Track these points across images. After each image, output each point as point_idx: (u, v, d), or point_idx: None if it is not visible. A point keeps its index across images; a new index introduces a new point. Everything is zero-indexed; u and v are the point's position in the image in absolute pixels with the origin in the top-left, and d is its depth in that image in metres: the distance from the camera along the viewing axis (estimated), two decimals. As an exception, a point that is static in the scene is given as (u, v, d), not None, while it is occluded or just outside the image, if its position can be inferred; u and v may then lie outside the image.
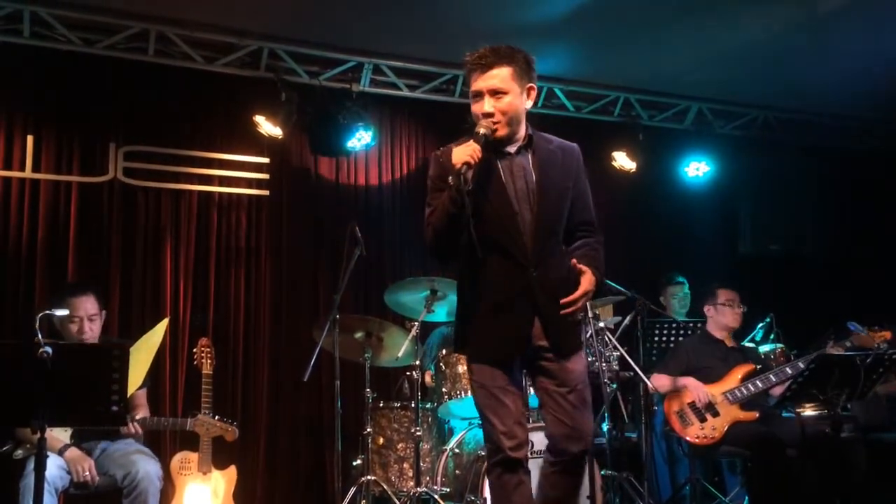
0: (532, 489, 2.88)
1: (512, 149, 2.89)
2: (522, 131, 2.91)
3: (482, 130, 2.75)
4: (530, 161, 2.88)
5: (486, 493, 4.01)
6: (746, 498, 4.64)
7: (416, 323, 4.40)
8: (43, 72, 5.15)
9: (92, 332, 4.02)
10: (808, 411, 4.72)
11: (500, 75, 2.79)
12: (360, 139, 5.74)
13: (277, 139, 5.53)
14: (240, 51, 5.42)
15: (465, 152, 2.68)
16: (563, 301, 2.74)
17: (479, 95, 2.81)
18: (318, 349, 4.23)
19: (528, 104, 2.89)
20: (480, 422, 2.90)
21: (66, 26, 5.04)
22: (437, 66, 5.85)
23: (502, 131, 2.82)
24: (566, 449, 2.82)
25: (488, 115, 2.78)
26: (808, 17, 5.24)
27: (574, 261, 2.79)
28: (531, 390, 4.37)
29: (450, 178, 2.71)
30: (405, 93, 5.97)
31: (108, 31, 5.14)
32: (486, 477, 4.02)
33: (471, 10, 5.06)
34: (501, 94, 2.79)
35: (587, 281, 2.76)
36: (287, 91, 5.42)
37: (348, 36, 5.48)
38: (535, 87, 2.90)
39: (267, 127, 5.45)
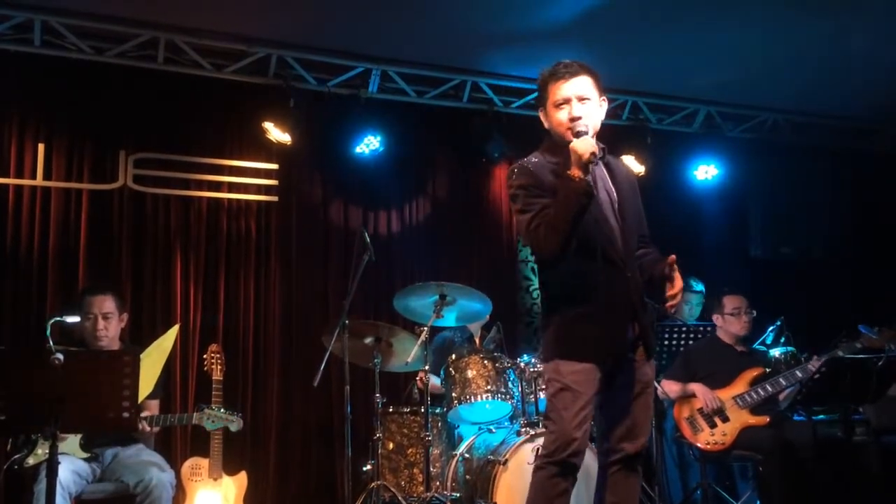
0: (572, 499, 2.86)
1: None
2: None
3: (580, 128, 2.81)
4: (605, 173, 2.98)
5: (497, 497, 4.01)
6: (758, 503, 4.61)
7: (426, 328, 4.40)
8: (53, 80, 5.20)
9: (107, 330, 4.06)
10: (820, 415, 4.68)
11: (585, 82, 2.90)
12: (369, 145, 5.76)
13: (286, 145, 5.55)
14: (248, 58, 5.45)
15: (588, 143, 2.74)
16: (668, 294, 2.85)
17: (564, 102, 2.88)
18: (327, 354, 4.25)
19: (602, 116, 2.98)
20: (549, 417, 2.85)
21: (76, 35, 5.08)
22: (446, 71, 5.85)
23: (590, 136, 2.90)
24: (622, 448, 2.86)
25: (575, 119, 2.85)
26: (818, 18, 5.22)
27: (672, 257, 2.84)
28: (542, 394, 4.39)
29: (572, 170, 2.72)
30: (413, 98, 5.98)
31: (117, 39, 5.17)
32: (496, 481, 4.02)
33: (478, 15, 5.06)
34: (587, 100, 2.88)
35: (679, 277, 2.85)
36: (296, 97, 5.44)
37: (356, 42, 5.50)
38: (607, 100, 3.00)
39: (276, 133, 5.48)
